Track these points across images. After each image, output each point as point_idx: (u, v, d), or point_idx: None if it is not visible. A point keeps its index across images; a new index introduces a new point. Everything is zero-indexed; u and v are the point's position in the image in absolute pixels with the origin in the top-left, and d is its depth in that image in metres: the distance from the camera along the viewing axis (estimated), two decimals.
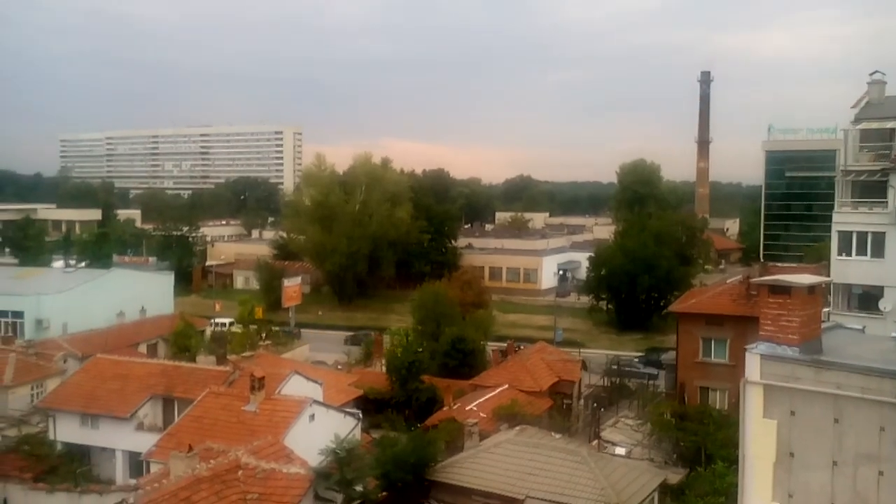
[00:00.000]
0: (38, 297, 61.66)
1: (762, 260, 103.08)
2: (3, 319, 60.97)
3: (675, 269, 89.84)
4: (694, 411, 43.95)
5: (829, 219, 48.03)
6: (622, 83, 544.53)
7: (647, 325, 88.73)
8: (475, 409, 44.59)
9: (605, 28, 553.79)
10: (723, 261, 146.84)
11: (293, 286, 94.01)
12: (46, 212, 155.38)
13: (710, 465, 35.19)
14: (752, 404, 17.27)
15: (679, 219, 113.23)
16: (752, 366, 17.31)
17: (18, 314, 60.69)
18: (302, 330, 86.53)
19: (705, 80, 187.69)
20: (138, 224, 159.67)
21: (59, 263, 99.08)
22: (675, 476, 37.15)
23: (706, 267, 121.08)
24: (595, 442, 42.82)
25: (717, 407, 45.33)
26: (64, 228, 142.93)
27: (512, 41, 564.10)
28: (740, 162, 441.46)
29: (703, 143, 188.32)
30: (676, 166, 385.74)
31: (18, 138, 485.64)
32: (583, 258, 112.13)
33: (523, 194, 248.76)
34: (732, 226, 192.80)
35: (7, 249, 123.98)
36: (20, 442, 40.47)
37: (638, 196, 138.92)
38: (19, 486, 35.86)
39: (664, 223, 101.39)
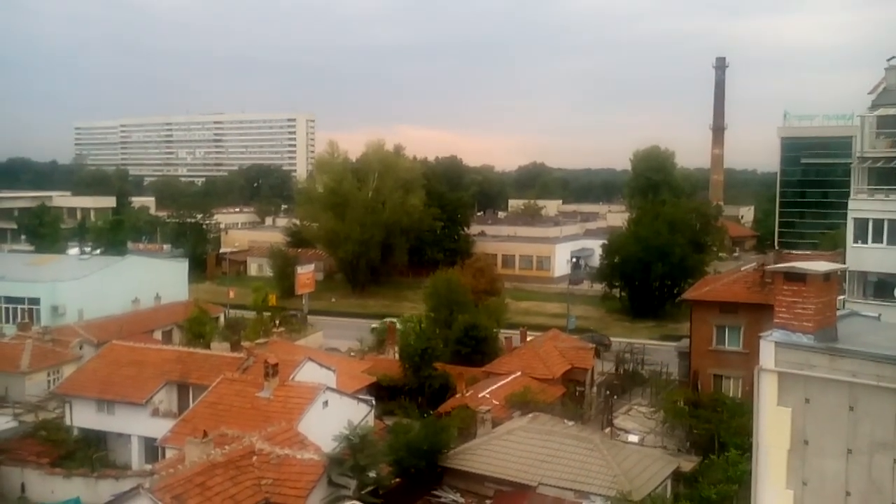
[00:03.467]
0: (54, 284, 62.10)
1: (777, 247, 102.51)
2: (19, 306, 61.44)
3: (688, 256, 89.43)
4: (707, 399, 43.86)
5: (845, 206, 47.65)
6: (636, 70, 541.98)
7: (661, 313, 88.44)
8: (488, 396, 44.68)
9: (620, 14, 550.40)
10: (737, 248, 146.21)
11: (306, 273, 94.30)
12: (61, 199, 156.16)
13: (724, 452, 35.11)
14: (767, 392, 17.19)
15: (693, 206, 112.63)
16: (767, 353, 17.21)
17: (35, 301, 61.13)
18: (316, 317, 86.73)
19: (720, 66, 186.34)
20: (152, 211, 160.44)
21: (74, 250, 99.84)
22: (688, 464, 37.15)
23: (720, 254, 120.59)
24: (608, 429, 42.80)
25: (731, 395, 45.20)
26: (79, 216, 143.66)
27: (525, 28, 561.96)
28: (755, 149, 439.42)
29: (718, 130, 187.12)
30: (691, 153, 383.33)
31: (34, 126, 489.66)
32: (596, 245, 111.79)
33: (536, 181, 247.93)
34: (747, 213, 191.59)
35: (23, 236, 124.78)
36: (37, 427, 40.93)
37: (652, 183, 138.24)
38: (36, 471, 36.32)
39: (678, 210, 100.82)
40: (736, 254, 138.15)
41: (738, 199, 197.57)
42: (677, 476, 35.15)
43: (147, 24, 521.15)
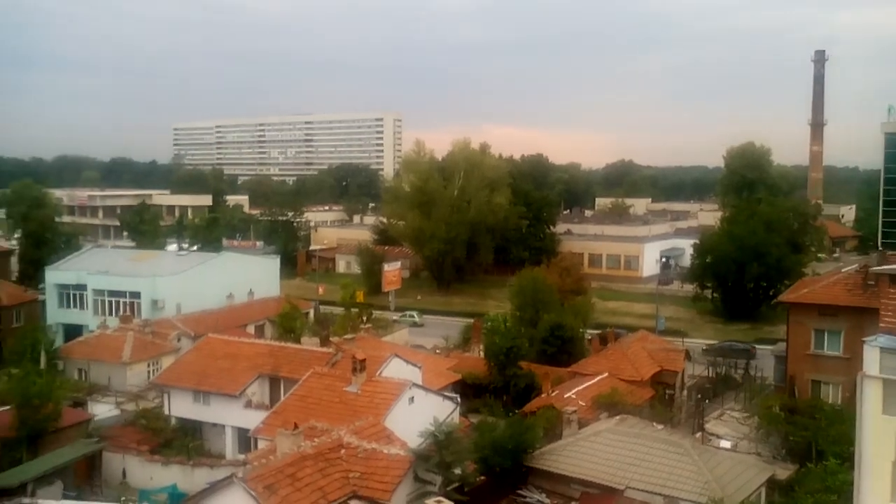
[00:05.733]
0: (154, 279, 64.79)
1: (880, 248, 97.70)
2: (121, 300, 64.43)
3: (785, 257, 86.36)
4: (805, 405, 42.24)
5: None
6: (731, 64, 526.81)
7: (755, 315, 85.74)
8: (574, 396, 44.23)
9: (714, 5, 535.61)
10: (837, 249, 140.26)
11: (393, 271, 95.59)
12: (161, 197, 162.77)
13: (822, 461, 33.75)
14: (871, 399, 16.46)
15: (790, 205, 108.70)
16: (871, 359, 16.49)
17: (136, 295, 63.97)
18: (400, 314, 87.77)
19: (819, 59, 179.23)
20: (246, 209, 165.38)
21: (172, 247, 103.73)
22: (783, 472, 35.88)
23: (819, 255, 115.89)
24: (699, 434, 41.79)
25: (830, 401, 43.44)
26: (177, 213, 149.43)
27: (615, 21, 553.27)
28: (857, 145, 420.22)
29: (817, 126, 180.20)
30: (788, 150, 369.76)
31: (135, 127, 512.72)
32: (687, 245, 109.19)
33: (624, 179, 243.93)
34: (848, 212, 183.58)
35: (125, 233, 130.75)
36: (138, 416, 42.86)
37: (746, 181, 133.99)
38: (137, 458, 37.99)
39: (775, 209, 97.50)
40: (836, 254, 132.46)
41: (839, 198, 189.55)
42: (772, 484, 33.98)
43: (241, 28, 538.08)
